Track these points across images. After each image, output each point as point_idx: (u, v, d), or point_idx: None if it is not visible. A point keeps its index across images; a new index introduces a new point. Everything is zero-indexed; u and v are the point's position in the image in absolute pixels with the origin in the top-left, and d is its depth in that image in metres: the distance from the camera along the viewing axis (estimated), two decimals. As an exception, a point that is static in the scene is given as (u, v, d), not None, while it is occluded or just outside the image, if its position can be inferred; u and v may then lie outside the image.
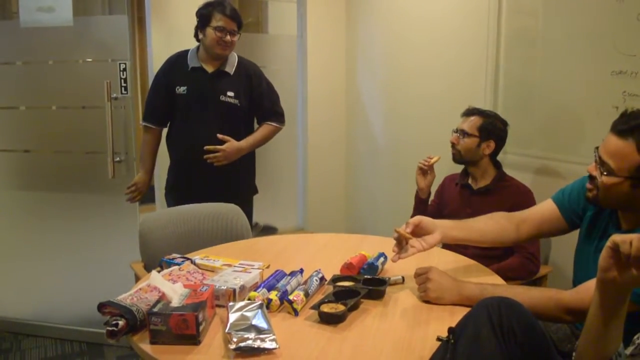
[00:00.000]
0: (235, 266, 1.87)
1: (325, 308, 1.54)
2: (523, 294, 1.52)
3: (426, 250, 1.73)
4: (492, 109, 2.73)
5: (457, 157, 2.53)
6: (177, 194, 2.92)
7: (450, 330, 1.26)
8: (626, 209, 1.58)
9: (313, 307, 1.57)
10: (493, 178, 2.49)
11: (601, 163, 1.52)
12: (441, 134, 2.76)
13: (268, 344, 1.35)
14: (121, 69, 2.96)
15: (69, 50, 3.07)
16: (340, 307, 1.55)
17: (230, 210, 2.58)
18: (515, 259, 2.34)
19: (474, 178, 2.54)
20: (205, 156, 2.76)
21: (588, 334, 1.17)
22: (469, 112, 2.54)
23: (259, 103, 2.91)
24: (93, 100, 3.01)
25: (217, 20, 2.71)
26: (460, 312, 1.33)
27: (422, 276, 1.66)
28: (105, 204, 3.15)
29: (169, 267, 1.88)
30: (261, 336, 1.36)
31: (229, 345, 1.34)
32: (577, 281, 1.73)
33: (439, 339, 1.31)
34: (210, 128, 2.79)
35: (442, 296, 1.61)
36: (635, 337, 1.14)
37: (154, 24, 3.45)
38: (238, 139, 2.84)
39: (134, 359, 2.95)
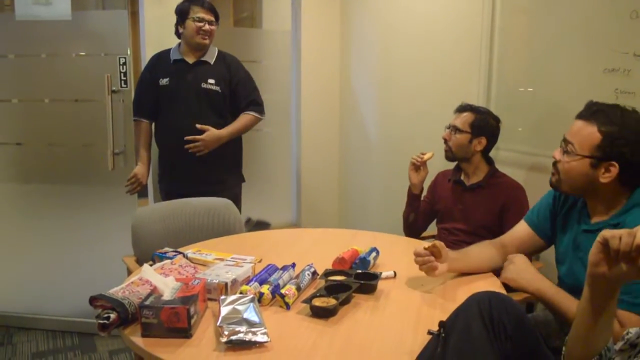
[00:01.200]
0: (227, 260, 1.87)
1: (317, 302, 1.55)
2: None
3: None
4: (485, 105, 2.74)
5: (449, 154, 2.53)
6: (165, 184, 3.07)
7: (441, 324, 1.27)
8: (588, 194, 1.66)
9: (305, 301, 1.57)
10: (485, 174, 2.49)
11: (565, 143, 1.64)
12: (434, 131, 2.76)
13: (259, 338, 1.35)
14: (121, 63, 2.97)
15: (67, 44, 3.07)
16: (331, 301, 1.55)
17: (223, 205, 2.58)
18: None
19: (466, 174, 2.54)
20: (186, 146, 2.85)
21: (578, 328, 1.18)
22: (462, 109, 2.53)
23: (237, 92, 3.01)
24: (91, 94, 3.02)
25: (196, 12, 2.86)
26: (451, 306, 1.33)
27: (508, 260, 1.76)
28: (98, 197, 3.15)
29: (161, 260, 1.88)
30: (253, 329, 1.37)
31: (221, 338, 1.35)
32: (561, 275, 1.79)
33: (430, 332, 1.31)
34: (194, 115, 2.89)
35: (518, 280, 1.69)
36: (625, 332, 1.14)
37: (147, 18, 3.44)
38: (223, 125, 2.94)
39: (125, 353, 2.95)
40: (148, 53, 3.17)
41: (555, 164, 1.69)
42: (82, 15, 3.06)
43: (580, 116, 1.63)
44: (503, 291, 1.66)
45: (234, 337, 1.34)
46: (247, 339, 1.34)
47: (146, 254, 2.15)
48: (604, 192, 1.61)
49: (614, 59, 2.22)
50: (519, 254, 1.78)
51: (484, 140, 2.47)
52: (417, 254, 1.77)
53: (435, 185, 2.69)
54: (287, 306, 1.59)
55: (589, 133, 1.57)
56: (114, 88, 2.97)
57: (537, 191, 1.94)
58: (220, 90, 2.94)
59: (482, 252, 1.91)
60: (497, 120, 2.51)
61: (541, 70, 2.58)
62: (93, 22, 3.10)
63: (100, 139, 3.00)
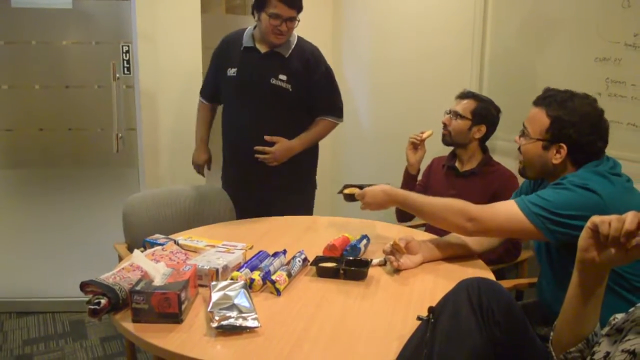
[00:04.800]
0: (218, 247, 1.88)
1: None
2: (437, 200, 1.87)
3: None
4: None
5: (447, 139, 2.53)
6: (231, 182, 2.80)
7: (431, 309, 1.28)
8: (549, 176, 1.75)
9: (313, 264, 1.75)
10: (479, 162, 2.50)
11: (523, 128, 1.78)
12: (427, 119, 2.77)
13: (250, 323, 1.36)
14: (124, 51, 2.97)
15: (67, 31, 3.07)
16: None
17: (214, 192, 2.58)
18: (500, 246, 2.36)
19: (461, 161, 2.55)
20: (255, 155, 2.56)
21: (566, 313, 1.19)
22: (464, 95, 2.53)
23: (314, 94, 2.64)
24: (93, 80, 3.03)
25: (273, 7, 2.43)
26: (441, 292, 1.34)
27: (362, 199, 2.04)
28: (91, 182, 3.16)
29: (152, 247, 1.88)
30: (243, 315, 1.37)
31: (211, 323, 1.35)
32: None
33: (419, 318, 1.32)
34: (259, 113, 2.59)
35: (382, 205, 1.99)
36: (612, 318, 1.15)
37: (138, 3, 3.41)
38: (289, 128, 2.62)
39: (117, 340, 2.95)
40: (140, 42, 3.15)
41: (519, 149, 1.80)
42: (85, 4, 3.05)
43: (535, 102, 1.76)
44: (493, 278, 1.67)
45: (224, 323, 1.34)
46: (237, 324, 1.35)
47: (137, 241, 2.15)
48: (558, 172, 1.71)
49: (605, 48, 2.23)
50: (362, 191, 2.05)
51: (483, 128, 2.48)
52: (384, 252, 1.83)
53: (430, 170, 2.70)
54: (278, 292, 1.59)
55: (540, 117, 1.71)
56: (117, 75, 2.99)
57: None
58: (291, 89, 2.56)
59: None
60: (497, 110, 2.52)
61: (533, 60, 2.59)
62: (98, 10, 3.09)
63: (88, 124, 3.02)
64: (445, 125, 2.53)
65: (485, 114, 2.48)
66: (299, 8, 2.48)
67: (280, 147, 2.56)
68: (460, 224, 1.75)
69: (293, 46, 2.59)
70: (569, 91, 1.71)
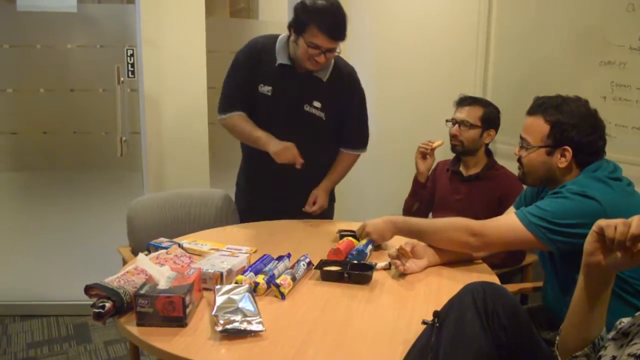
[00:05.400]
0: (222, 250, 1.88)
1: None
2: (438, 220, 1.93)
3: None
4: (482, 97, 2.73)
5: (459, 149, 2.48)
6: (254, 207, 2.55)
7: (435, 313, 1.27)
8: (550, 182, 1.75)
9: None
10: (484, 166, 2.49)
11: (521, 140, 1.78)
12: (431, 122, 2.76)
13: (254, 327, 1.35)
14: (128, 55, 2.97)
15: (73, 35, 3.08)
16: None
17: (218, 195, 2.58)
18: (503, 251, 2.35)
19: (466, 165, 2.53)
20: (305, 209, 2.42)
21: (572, 317, 1.18)
22: (466, 102, 2.48)
23: (345, 122, 2.46)
24: (98, 84, 3.03)
25: (313, 36, 2.16)
26: (446, 297, 1.34)
27: (362, 231, 2.01)
28: (95, 184, 3.17)
29: (157, 250, 1.88)
30: (248, 319, 1.37)
31: (216, 327, 1.35)
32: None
33: (424, 322, 1.32)
34: (288, 138, 2.30)
35: (383, 234, 1.97)
36: (618, 322, 1.15)
37: (143, 7, 3.43)
38: (323, 155, 2.48)
39: (121, 343, 2.95)
40: (144, 46, 3.16)
41: (519, 159, 1.80)
42: (90, 8, 3.07)
43: (528, 112, 1.77)
44: (497, 282, 1.67)
45: (229, 326, 1.34)
46: (242, 328, 1.34)
47: (141, 244, 2.15)
48: (563, 176, 1.71)
49: (610, 51, 2.23)
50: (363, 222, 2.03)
51: (492, 133, 2.47)
52: (389, 256, 1.83)
53: (435, 174, 2.68)
54: (282, 296, 1.59)
55: (538, 125, 1.72)
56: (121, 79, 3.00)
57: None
58: (324, 118, 2.38)
59: None
60: (498, 110, 2.50)
61: (537, 63, 2.58)
62: (104, 14, 3.11)
63: (93, 127, 3.03)
64: (455, 136, 2.47)
65: (493, 117, 2.46)
66: (342, 39, 2.21)
67: (323, 199, 2.45)
68: (464, 240, 1.77)
69: (331, 69, 2.36)
70: (560, 96, 1.73)
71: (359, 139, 2.54)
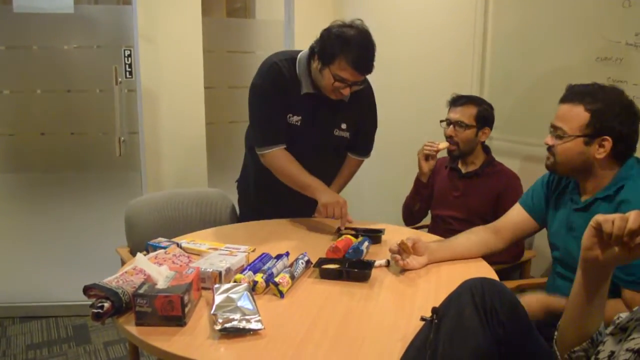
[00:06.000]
0: (221, 249, 1.88)
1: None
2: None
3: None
4: (479, 94, 2.74)
5: (456, 153, 2.47)
6: (262, 213, 2.44)
7: (434, 310, 1.27)
8: (582, 173, 1.69)
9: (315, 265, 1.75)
10: (482, 163, 2.48)
11: (554, 129, 1.68)
12: (428, 120, 2.76)
13: (253, 325, 1.35)
14: (126, 55, 2.97)
15: (68, 36, 3.08)
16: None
17: (216, 195, 2.58)
18: (505, 250, 2.35)
19: (464, 162, 2.53)
20: (314, 215, 2.34)
21: (570, 312, 1.19)
22: (459, 101, 2.46)
23: (358, 134, 2.43)
24: (99, 85, 3.05)
25: (341, 69, 2.07)
26: (444, 293, 1.34)
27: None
28: (92, 185, 3.17)
29: (155, 250, 1.88)
30: (247, 317, 1.37)
31: (215, 326, 1.35)
32: (557, 257, 1.80)
33: (422, 319, 1.32)
34: (316, 166, 2.29)
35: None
36: (616, 317, 1.15)
37: (140, 7, 3.42)
38: (339, 164, 2.50)
39: (120, 344, 2.95)
40: (141, 46, 3.15)
41: (549, 148, 1.72)
42: (84, 9, 3.07)
43: (564, 100, 1.67)
44: (496, 278, 1.67)
45: (227, 325, 1.34)
46: (241, 327, 1.34)
47: (140, 245, 2.15)
48: (598, 168, 1.65)
49: (606, 47, 2.23)
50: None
51: (487, 131, 2.46)
52: (390, 251, 1.83)
53: (434, 171, 2.67)
54: (281, 294, 1.59)
55: (576, 114, 1.62)
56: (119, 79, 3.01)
57: (531, 180, 1.96)
58: (348, 137, 2.38)
59: (470, 238, 1.94)
60: (491, 107, 2.49)
61: (534, 59, 2.59)
62: (100, 15, 3.11)
63: (90, 128, 3.03)
64: (451, 137, 2.45)
65: (487, 115, 2.45)
66: (370, 72, 2.14)
67: (345, 206, 2.24)
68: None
69: None
70: (596, 83, 1.64)
71: (367, 146, 2.53)
